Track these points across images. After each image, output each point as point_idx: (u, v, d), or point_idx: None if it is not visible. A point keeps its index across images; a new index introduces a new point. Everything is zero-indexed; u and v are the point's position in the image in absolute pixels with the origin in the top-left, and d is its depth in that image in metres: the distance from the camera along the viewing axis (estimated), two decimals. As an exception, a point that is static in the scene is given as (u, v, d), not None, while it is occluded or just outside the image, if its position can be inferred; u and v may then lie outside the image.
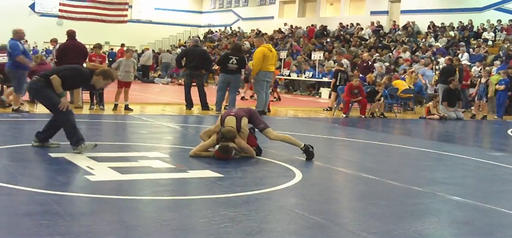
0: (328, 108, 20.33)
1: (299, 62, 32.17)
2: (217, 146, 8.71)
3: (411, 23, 36.48)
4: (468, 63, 25.05)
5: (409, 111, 21.91)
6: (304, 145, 9.09)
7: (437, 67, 26.71)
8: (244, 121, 8.98)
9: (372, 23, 38.48)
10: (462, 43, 30.81)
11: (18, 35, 14.16)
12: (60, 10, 44.42)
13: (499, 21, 32.64)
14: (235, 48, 17.64)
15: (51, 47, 20.76)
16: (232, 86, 16.84)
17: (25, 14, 45.88)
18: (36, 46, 43.37)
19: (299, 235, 5.04)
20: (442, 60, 26.99)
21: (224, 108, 16.50)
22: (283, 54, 33.83)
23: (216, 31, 49.86)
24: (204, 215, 5.49)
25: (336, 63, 27.20)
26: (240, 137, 8.82)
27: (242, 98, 22.12)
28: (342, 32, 39.23)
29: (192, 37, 36.15)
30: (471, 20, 33.77)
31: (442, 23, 34.85)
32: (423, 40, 33.87)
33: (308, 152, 9.00)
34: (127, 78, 15.94)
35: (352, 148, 11.94)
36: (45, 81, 8.40)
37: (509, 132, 16.46)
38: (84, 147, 8.28)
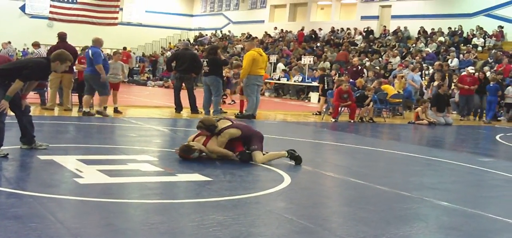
0: (318, 113, 20.36)
1: (300, 67, 31.91)
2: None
3: (401, 28, 36.62)
4: (488, 70, 24.96)
5: (398, 116, 21.98)
6: (287, 151, 9.10)
7: (426, 72, 26.82)
8: (232, 131, 8.96)
9: (357, 31, 38.59)
10: (453, 48, 30.97)
11: (99, 43, 14.99)
12: (50, 12, 44.26)
13: (481, 28, 32.82)
14: (207, 50, 18.04)
15: (34, 51, 20.45)
16: (211, 88, 16.96)
17: (15, 15, 45.80)
18: (27, 48, 43.18)
19: (288, 240, 5.06)
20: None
21: (213, 113, 16.54)
22: (273, 58, 33.92)
23: (206, 34, 49.84)
24: (192, 218, 5.49)
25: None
26: (215, 139, 8.86)
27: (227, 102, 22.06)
28: (332, 37, 39.30)
29: (182, 40, 36.16)
30: (461, 25, 33.95)
31: (433, 29, 34.99)
32: (414, 45, 34.01)
33: (295, 157, 9.01)
34: (116, 81, 15.93)
35: (341, 152, 11.95)
36: None
37: (497, 137, 16.53)
38: None
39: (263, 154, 8.96)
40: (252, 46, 17.80)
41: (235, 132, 8.96)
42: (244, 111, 17.13)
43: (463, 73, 23.72)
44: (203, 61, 16.98)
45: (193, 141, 8.95)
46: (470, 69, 23.33)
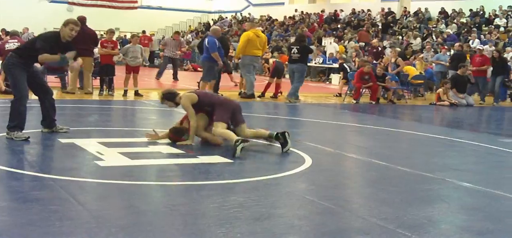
0: (338, 95, 20.32)
1: (357, 51, 30.93)
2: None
3: (422, 10, 36.33)
4: (510, 50, 24.63)
5: (419, 97, 21.84)
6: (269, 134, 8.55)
7: (447, 53, 26.62)
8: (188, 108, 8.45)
9: (383, 9, 38.38)
10: (474, 29, 30.66)
11: (216, 33, 16.28)
12: (70, -4, 44.41)
13: (510, 6, 32.45)
14: (296, 38, 18.60)
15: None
16: (297, 75, 17.45)
17: (35, 0, 45.91)
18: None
19: (309, 221, 5.03)
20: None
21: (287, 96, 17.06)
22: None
23: (226, 17, 49.73)
24: (213, 200, 5.47)
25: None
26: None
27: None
28: (353, 18, 39.09)
29: (202, 23, 36.10)
30: (482, 6, 33.59)
31: (454, 10, 34.65)
32: (434, 26, 33.72)
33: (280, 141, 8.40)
34: (135, 63, 15.98)
35: (362, 133, 11.89)
36: (17, 57, 8.25)
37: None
38: (16, 135, 7.98)
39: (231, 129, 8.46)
40: (253, 26, 17.95)
41: (189, 104, 8.43)
42: (244, 91, 17.60)
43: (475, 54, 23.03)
44: (292, 48, 17.38)
45: (181, 122, 8.82)
46: (479, 46, 22.65)
